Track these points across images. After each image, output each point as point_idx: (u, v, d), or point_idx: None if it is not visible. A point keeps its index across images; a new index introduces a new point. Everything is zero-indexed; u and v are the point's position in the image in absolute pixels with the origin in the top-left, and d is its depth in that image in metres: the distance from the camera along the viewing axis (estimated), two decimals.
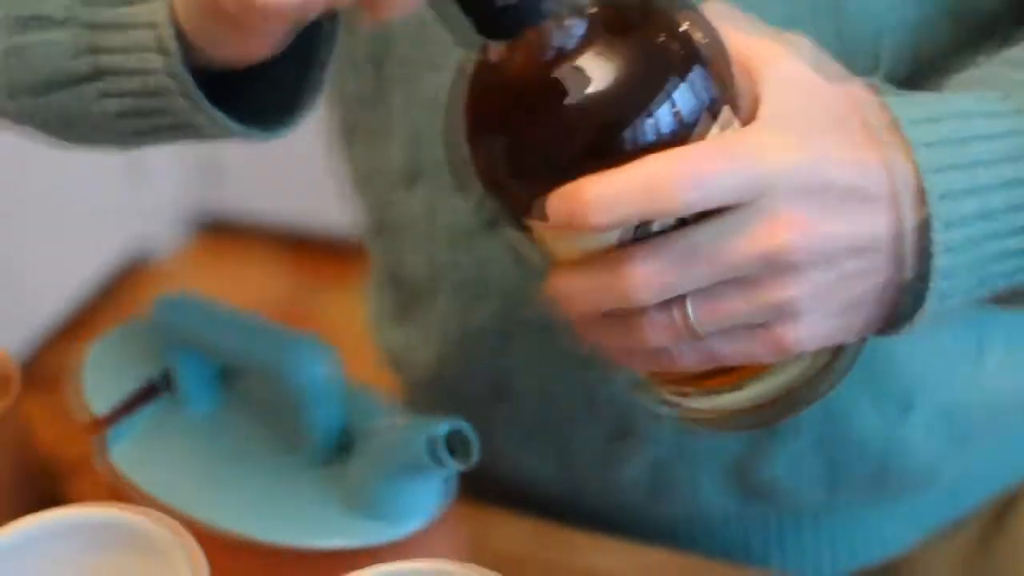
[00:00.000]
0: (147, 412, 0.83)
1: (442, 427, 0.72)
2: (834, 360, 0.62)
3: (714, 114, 0.56)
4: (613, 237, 0.57)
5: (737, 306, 0.56)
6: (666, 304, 0.56)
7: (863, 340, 0.62)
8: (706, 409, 0.62)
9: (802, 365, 0.61)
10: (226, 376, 0.84)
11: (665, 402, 0.63)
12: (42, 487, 0.89)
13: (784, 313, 0.56)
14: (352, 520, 0.76)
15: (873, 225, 0.57)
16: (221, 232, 2.69)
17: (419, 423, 0.74)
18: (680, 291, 0.56)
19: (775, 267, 0.55)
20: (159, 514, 0.69)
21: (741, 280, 0.56)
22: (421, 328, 0.93)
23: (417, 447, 0.73)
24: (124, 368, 0.84)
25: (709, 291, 0.56)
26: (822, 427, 0.83)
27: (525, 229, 0.60)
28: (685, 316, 0.56)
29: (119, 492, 0.83)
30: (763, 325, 0.57)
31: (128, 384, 0.83)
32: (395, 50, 0.82)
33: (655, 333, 0.56)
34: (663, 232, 0.56)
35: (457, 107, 0.59)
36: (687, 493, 0.87)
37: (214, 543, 0.78)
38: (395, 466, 0.74)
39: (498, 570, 0.84)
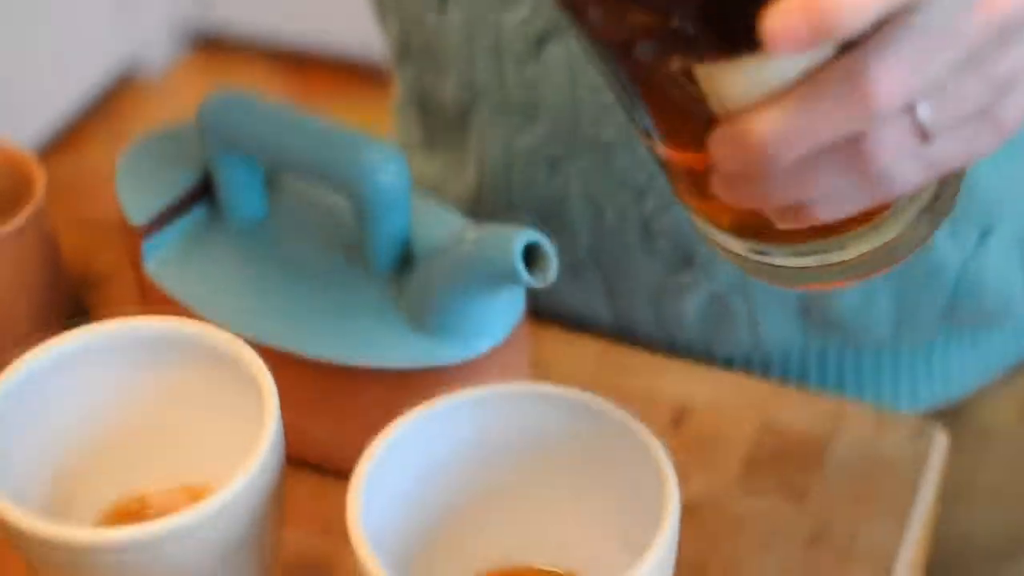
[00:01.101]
0: (187, 222, 0.77)
1: (518, 239, 0.67)
2: (935, 203, 0.56)
3: None
4: (801, 64, 0.50)
5: (971, 90, 0.50)
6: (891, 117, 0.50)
7: (960, 180, 0.57)
8: (792, 267, 0.57)
9: (905, 219, 0.56)
10: (272, 182, 0.79)
11: (741, 258, 0.58)
12: (72, 299, 0.84)
13: (1005, 89, 0.51)
14: (416, 338, 0.71)
15: None
16: (216, 48, 2.61)
17: (493, 235, 0.68)
18: (921, 91, 0.50)
19: (1005, 34, 0.50)
20: (212, 327, 0.64)
21: (972, 59, 0.50)
22: (456, 156, 0.87)
23: (491, 261, 0.67)
24: (160, 175, 0.78)
25: (939, 84, 0.50)
26: None
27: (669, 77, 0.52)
28: (916, 121, 0.50)
29: (156, 306, 0.77)
30: (986, 112, 0.51)
31: (165, 192, 0.77)
32: None
33: (883, 152, 0.50)
34: (854, 46, 0.50)
35: None
36: (747, 328, 0.83)
37: (268, 363, 0.74)
38: (465, 281, 0.69)
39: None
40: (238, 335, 0.72)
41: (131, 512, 0.66)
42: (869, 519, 0.74)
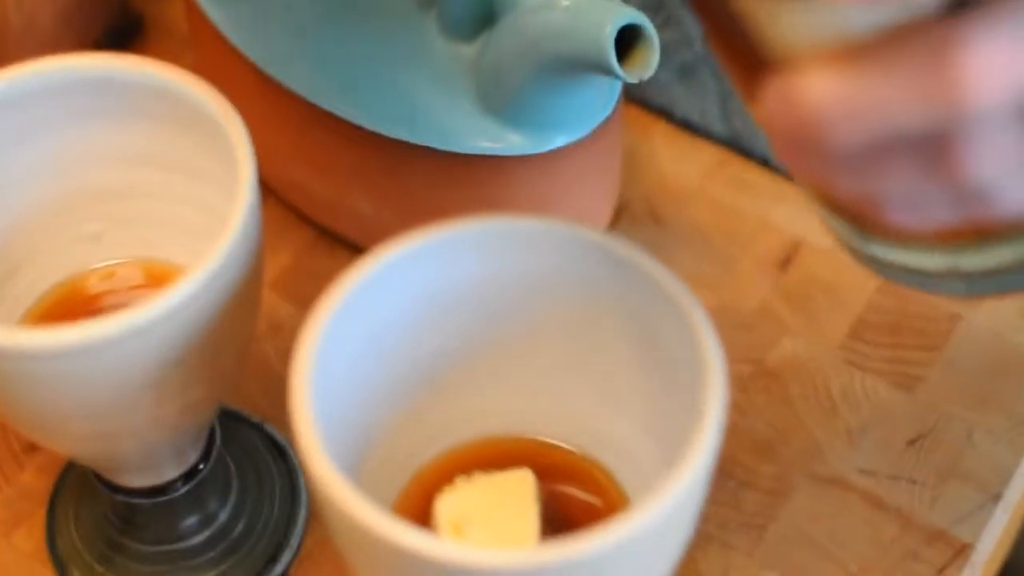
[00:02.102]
0: None
1: (614, 18, 0.53)
2: None
3: None
4: (879, 14, 0.35)
5: None
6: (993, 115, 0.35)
7: None
8: (897, 264, 0.42)
9: None
10: None
11: (868, 255, 0.43)
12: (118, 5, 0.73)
13: None
14: (484, 120, 0.59)
15: None
16: None
17: (588, 7, 0.54)
18: None
19: None
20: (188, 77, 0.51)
21: None
22: None
23: (581, 37, 0.54)
24: None
25: None
26: None
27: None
28: None
29: (202, 45, 0.66)
30: None
31: None
32: None
33: (980, 161, 0.35)
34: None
35: None
36: None
37: (307, 121, 0.62)
38: (548, 59, 0.56)
39: (666, 206, 0.68)
40: (287, 90, 0.61)
41: (76, 296, 0.55)
42: (988, 429, 0.61)
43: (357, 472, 0.48)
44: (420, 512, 0.50)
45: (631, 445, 0.50)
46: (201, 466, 0.55)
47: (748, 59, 0.38)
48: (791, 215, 0.67)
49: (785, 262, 0.66)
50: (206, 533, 0.58)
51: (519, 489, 0.50)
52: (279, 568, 0.58)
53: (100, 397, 0.47)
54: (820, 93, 0.35)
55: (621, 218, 0.67)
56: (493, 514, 0.49)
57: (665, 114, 0.70)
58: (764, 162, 0.69)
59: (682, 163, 0.69)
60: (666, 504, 0.41)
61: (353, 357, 0.47)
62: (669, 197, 0.67)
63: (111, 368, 0.46)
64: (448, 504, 0.49)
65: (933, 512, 0.59)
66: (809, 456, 0.60)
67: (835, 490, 0.59)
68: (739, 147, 0.69)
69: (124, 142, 0.53)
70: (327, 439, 0.44)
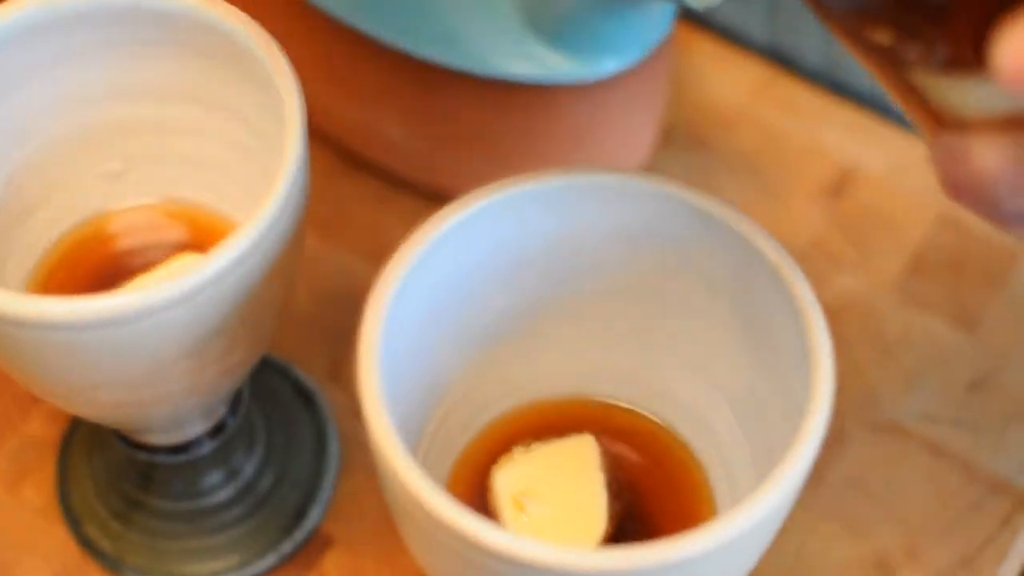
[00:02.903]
0: None
1: None
2: None
3: None
4: None
5: None
6: None
7: None
8: None
9: None
10: None
11: None
12: None
13: None
14: (530, 43, 0.54)
15: None
16: None
17: None
18: None
19: None
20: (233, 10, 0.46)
21: None
22: None
23: None
24: None
25: None
26: None
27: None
28: None
29: None
30: None
31: None
32: None
33: None
34: None
35: None
36: None
37: (334, 38, 0.57)
38: None
39: (711, 130, 0.64)
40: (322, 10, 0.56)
41: (94, 239, 0.50)
42: None
43: (419, 435, 0.45)
44: (479, 480, 0.47)
45: (708, 412, 0.47)
46: (229, 422, 0.52)
47: (924, 107, 0.38)
48: (843, 139, 0.63)
49: (837, 190, 0.62)
50: (231, 488, 0.54)
51: (581, 457, 0.47)
52: (309, 524, 0.54)
53: (134, 368, 0.43)
54: (992, 162, 0.35)
55: (666, 145, 0.63)
56: (556, 486, 0.46)
57: (704, 23, 0.66)
58: (813, 79, 0.65)
59: (726, 83, 0.65)
60: (757, 513, 0.38)
61: (420, 317, 0.44)
62: (714, 120, 0.63)
63: (147, 339, 0.42)
64: (507, 478, 0.46)
65: (996, 460, 0.56)
66: (865, 402, 0.57)
67: (892, 438, 0.57)
68: (784, 60, 0.65)
69: (151, 75, 0.48)
70: (391, 405, 0.40)
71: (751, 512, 0.37)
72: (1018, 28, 0.32)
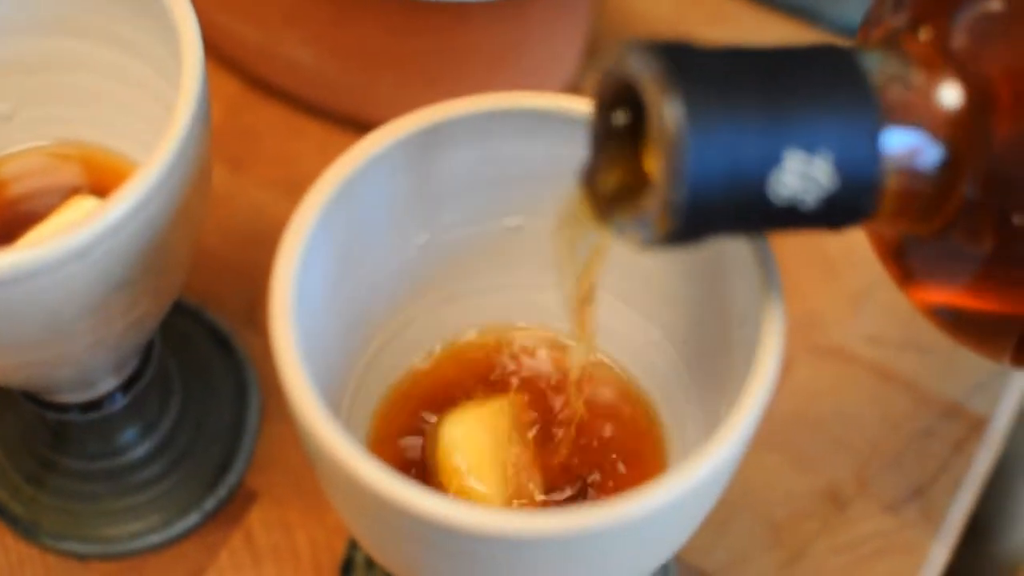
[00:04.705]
0: None
1: None
2: None
3: None
4: None
5: None
6: None
7: None
8: None
9: None
10: None
11: None
12: None
13: None
14: None
15: None
16: None
17: None
18: None
19: None
20: None
21: None
22: None
23: None
24: None
25: None
26: None
27: None
28: None
29: None
30: None
31: None
32: None
33: None
34: None
35: None
36: None
37: None
38: None
39: None
40: None
41: None
42: None
43: (341, 384, 0.42)
44: (407, 425, 0.44)
45: (647, 347, 0.44)
46: (142, 374, 0.48)
47: None
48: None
49: None
50: (148, 444, 0.51)
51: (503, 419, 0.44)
52: (232, 478, 0.51)
53: (32, 328, 0.40)
54: None
55: (591, 62, 0.60)
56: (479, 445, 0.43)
57: None
58: None
59: None
60: (703, 471, 0.35)
61: (337, 256, 0.40)
62: (642, 33, 0.60)
63: (45, 297, 0.39)
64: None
65: (946, 383, 0.54)
66: (808, 325, 0.55)
67: (838, 363, 0.54)
68: None
69: (34, 9, 0.44)
70: (308, 356, 0.37)
71: (705, 465, 0.35)
72: None
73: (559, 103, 0.41)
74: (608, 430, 0.43)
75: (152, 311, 0.43)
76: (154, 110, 0.44)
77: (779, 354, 0.37)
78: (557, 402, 0.44)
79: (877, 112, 0.33)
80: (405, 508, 0.34)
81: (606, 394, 0.44)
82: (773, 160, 0.32)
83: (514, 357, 0.45)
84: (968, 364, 0.54)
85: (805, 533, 0.51)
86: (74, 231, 0.38)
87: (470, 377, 0.45)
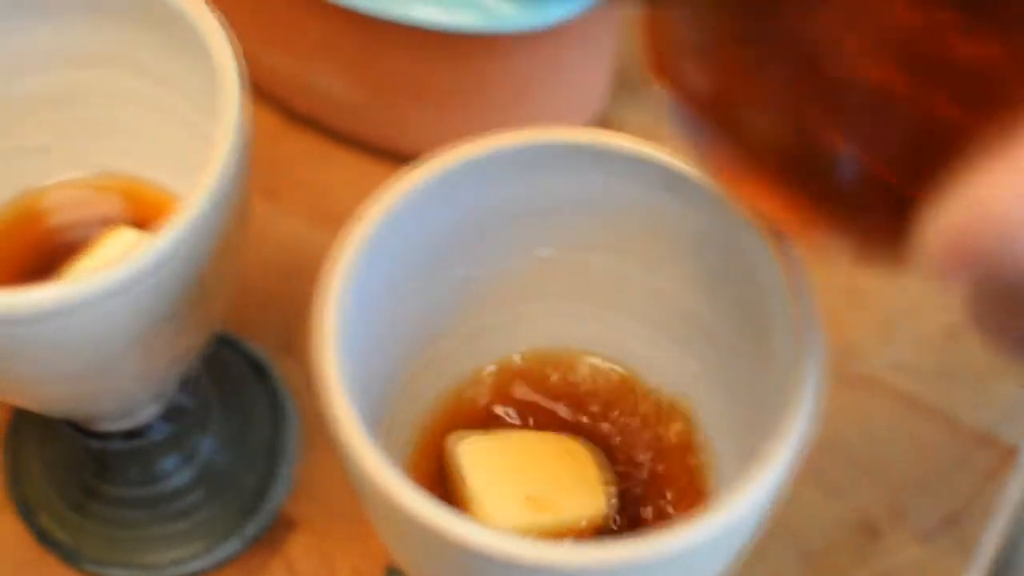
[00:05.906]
0: None
1: None
2: None
3: None
4: None
5: None
6: None
7: None
8: None
9: None
10: None
11: None
12: None
13: None
14: None
15: None
16: None
17: None
18: None
19: None
20: None
21: None
22: None
23: None
24: None
25: None
26: None
27: None
28: None
29: None
30: None
31: None
32: None
33: None
34: None
35: None
36: None
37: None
38: None
39: None
40: None
41: (24, 218, 0.47)
42: None
43: (380, 416, 0.42)
44: (435, 453, 0.44)
45: (682, 375, 0.44)
46: (183, 403, 0.49)
47: None
48: None
49: None
50: (188, 471, 0.51)
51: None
52: (271, 504, 0.52)
53: (76, 360, 0.40)
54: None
55: (621, 90, 0.60)
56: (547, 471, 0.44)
57: None
58: None
59: None
60: (744, 506, 0.35)
61: (378, 292, 0.41)
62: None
63: (89, 330, 0.39)
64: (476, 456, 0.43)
65: (978, 412, 0.54)
66: (838, 354, 0.55)
67: (869, 392, 0.55)
68: None
69: (77, 42, 0.45)
70: (351, 388, 0.37)
71: (745, 499, 0.35)
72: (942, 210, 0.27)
73: (598, 138, 0.41)
74: (651, 459, 0.44)
75: (195, 344, 0.44)
76: (191, 141, 0.45)
77: (818, 388, 0.37)
78: (604, 427, 0.45)
79: None
80: (456, 540, 0.34)
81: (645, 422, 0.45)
82: None
83: (542, 382, 0.46)
84: (999, 392, 0.54)
85: (839, 563, 0.51)
86: (118, 266, 0.38)
87: (498, 404, 0.45)
